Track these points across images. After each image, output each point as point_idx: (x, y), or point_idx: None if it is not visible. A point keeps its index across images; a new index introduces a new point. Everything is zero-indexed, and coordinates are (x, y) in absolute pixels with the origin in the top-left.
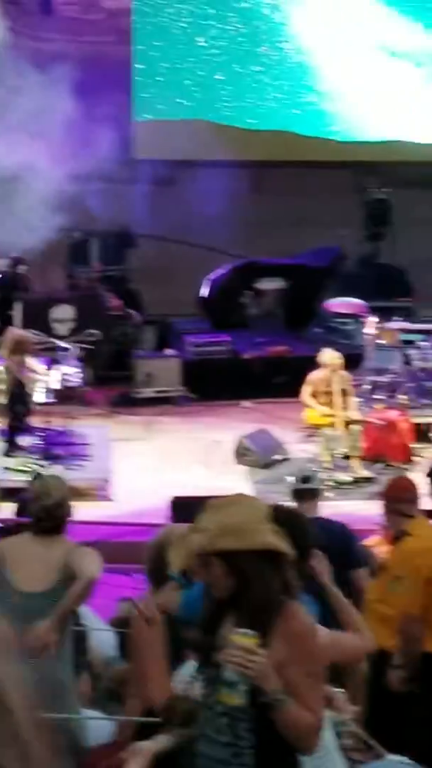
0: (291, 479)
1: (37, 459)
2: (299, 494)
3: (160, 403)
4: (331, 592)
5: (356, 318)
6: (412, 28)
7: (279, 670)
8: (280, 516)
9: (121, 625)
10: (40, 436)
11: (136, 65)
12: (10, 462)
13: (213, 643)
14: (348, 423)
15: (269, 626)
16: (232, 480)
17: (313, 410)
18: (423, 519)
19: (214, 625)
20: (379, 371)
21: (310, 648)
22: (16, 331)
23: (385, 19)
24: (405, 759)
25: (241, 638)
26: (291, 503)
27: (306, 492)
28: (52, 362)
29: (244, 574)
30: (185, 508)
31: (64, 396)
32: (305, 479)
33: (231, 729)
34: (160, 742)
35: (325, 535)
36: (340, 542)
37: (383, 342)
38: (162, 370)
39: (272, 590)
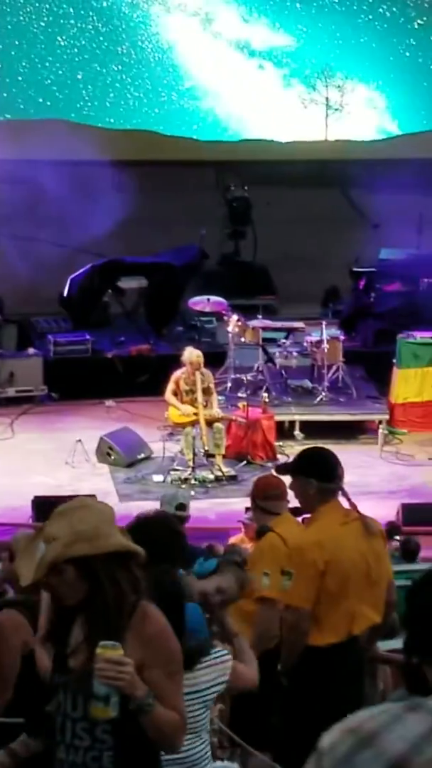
0: (164, 496)
1: None
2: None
3: (23, 402)
4: (224, 623)
5: (218, 316)
6: (272, 28)
7: (139, 672)
8: (142, 525)
9: None
10: None
11: None
12: None
13: (64, 651)
14: (211, 421)
15: (124, 628)
16: (95, 479)
17: (175, 408)
18: (288, 516)
19: (63, 633)
20: (242, 369)
21: (167, 647)
22: None
23: (245, 20)
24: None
25: (106, 651)
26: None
27: (180, 518)
28: None
29: (97, 578)
30: (48, 508)
31: None
32: (180, 507)
33: (89, 733)
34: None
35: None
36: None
37: (245, 340)
38: (24, 369)
39: (125, 592)
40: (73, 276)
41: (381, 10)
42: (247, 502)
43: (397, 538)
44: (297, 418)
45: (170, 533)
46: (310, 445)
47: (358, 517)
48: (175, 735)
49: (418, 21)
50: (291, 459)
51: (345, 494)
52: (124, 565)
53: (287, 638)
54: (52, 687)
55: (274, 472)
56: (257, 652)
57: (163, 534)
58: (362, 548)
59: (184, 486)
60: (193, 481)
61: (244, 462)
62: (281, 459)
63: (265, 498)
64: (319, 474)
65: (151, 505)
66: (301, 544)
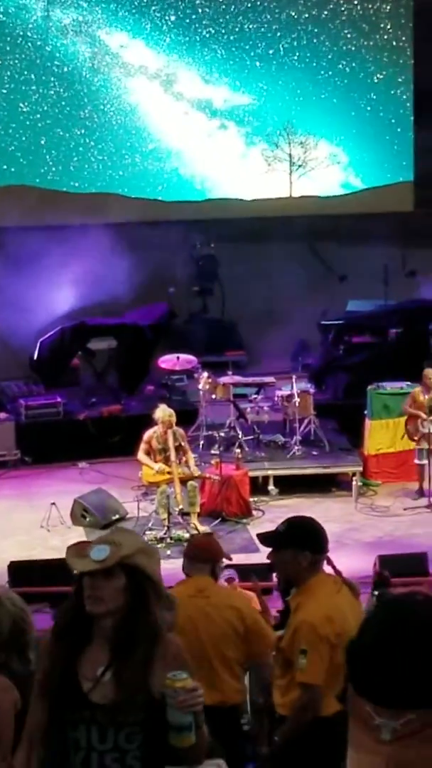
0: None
1: None
2: None
3: None
4: None
5: (188, 374)
6: (233, 87)
7: None
8: None
9: None
10: None
11: None
12: None
13: (77, 687)
14: (185, 479)
15: (154, 657)
16: (70, 542)
17: (149, 468)
18: (210, 581)
19: (71, 668)
20: (214, 426)
21: (186, 661)
22: None
23: (205, 80)
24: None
25: (178, 681)
26: None
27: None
28: None
29: (144, 592)
30: (23, 573)
31: None
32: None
33: (120, 762)
34: None
35: None
36: None
37: (216, 397)
38: None
39: (158, 620)
40: (42, 339)
41: (341, 65)
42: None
43: (375, 592)
44: (271, 473)
45: None
46: (284, 500)
47: (342, 583)
48: (204, 747)
49: (378, 75)
50: (279, 529)
51: (330, 562)
52: (159, 597)
53: (299, 714)
54: (65, 723)
55: (258, 542)
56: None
57: None
58: (355, 614)
59: (160, 545)
60: (169, 540)
61: (219, 519)
62: (256, 515)
63: (195, 560)
64: (312, 546)
65: None
66: (312, 621)
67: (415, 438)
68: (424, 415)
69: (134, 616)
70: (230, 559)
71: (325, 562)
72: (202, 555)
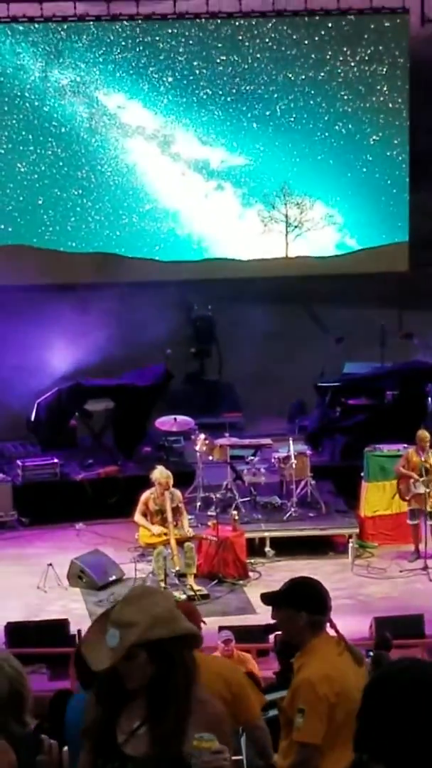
0: None
1: None
2: None
3: None
4: None
5: (185, 435)
6: (230, 149)
7: None
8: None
9: None
10: None
11: None
12: None
13: (113, 739)
14: (181, 540)
15: (189, 712)
16: (67, 603)
17: (146, 529)
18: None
19: (112, 720)
20: (211, 487)
21: (228, 731)
22: None
23: (203, 141)
24: None
25: (204, 743)
26: None
27: None
28: None
29: (170, 661)
30: (20, 634)
31: None
32: None
33: None
34: None
35: None
36: None
37: (213, 458)
38: None
39: (192, 674)
40: (40, 400)
41: (337, 127)
42: (220, 622)
43: (371, 653)
44: (267, 534)
45: None
46: (281, 561)
47: (346, 647)
48: None
49: (374, 137)
50: (280, 589)
51: (333, 626)
52: (189, 648)
53: None
54: None
55: (261, 602)
56: None
57: None
58: (357, 678)
59: None
60: None
61: (216, 580)
62: (253, 576)
63: None
64: (308, 606)
65: None
66: (311, 679)
67: (407, 498)
68: (416, 476)
69: (164, 681)
70: (205, 623)
71: (327, 624)
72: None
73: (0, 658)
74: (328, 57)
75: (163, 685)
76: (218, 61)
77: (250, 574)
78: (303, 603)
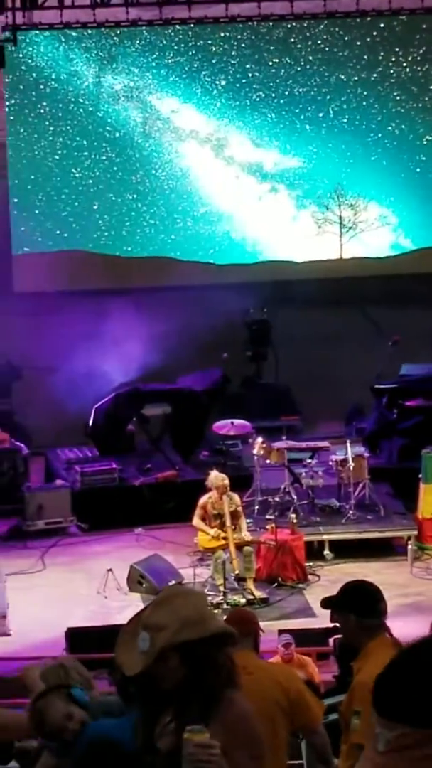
0: None
1: None
2: None
3: (53, 534)
4: None
5: (243, 439)
6: (283, 151)
7: (224, 756)
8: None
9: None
10: None
11: (13, 199)
12: None
13: (153, 732)
14: (240, 545)
15: (213, 713)
16: (128, 608)
17: (204, 534)
18: (252, 656)
19: (155, 715)
20: (268, 491)
21: (252, 732)
22: None
23: (256, 144)
24: None
25: (194, 735)
26: None
27: None
28: None
29: (200, 663)
30: (81, 640)
31: None
32: None
33: None
34: None
35: None
36: None
37: (271, 462)
38: (52, 501)
39: (222, 676)
40: (97, 405)
41: (390, 127)
42: (280, 625)
43: None
44: (326, 537)
45: None
46: (340, 564)
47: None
48: None
49: (427, 137)
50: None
51: (388, 630)
52: (222, 648)
53: None
54: (141, 766)
55: (315, 607)
56: None
57: None
58: None
59: (217, 611)
60: (225, 606)
61: (276, 584)
62: (312, 579)
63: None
64: (357, 609)
65: None
66: (367, 681)
67: None
68: None
69: (196, 682)
70: (264, 632)
71: (383, 627)
72: (245, 628)
73: (67, 666)
74: (380, 58)
75: (190, 686)
76: (270, 63)
77: (310, 577)
78: (352, 606)
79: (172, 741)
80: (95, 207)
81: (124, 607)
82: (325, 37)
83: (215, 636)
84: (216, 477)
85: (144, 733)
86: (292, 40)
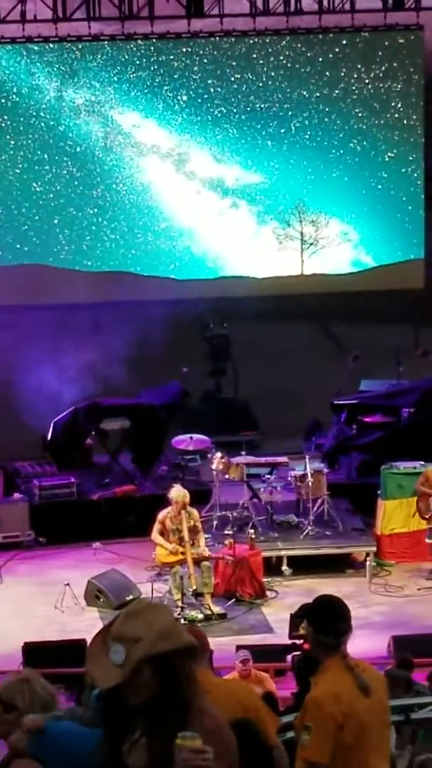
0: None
1: None
2: None
3: (10, 548)
4: None
5: (202, 454)
6: (244, 167)
7: None
8: None
9: None
10: None
11: None
12: None
13: (119, 748)
14: (198, 560)
15: (187, 724)
16: (84, 623)
17: (162, 548)
18: (208, 674)
19: (121, 731)
20: (227, 506)
21: (228, 740)
22: None
23: (217, 159)
24: None
25: (187, 741)
26: None
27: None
28: None
29: (173, 675)
30: (38, 654)
31: None
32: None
33: None
34: None
35: None
36: None
37: (230, 477)
38: (10, 515)
39: (194, 685)
40: (56, 419)
41: (352, 144)
42: (238, 641)
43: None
44: (284, 553)
45: None
46: (298, 580)
47: (365, 669)
48: None
49: (389, 154)
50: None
51: (343, 652)
52: (190, 660)
53: None
54: None
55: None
56: None
57: None
58: (373, 700)
59: None
60: (182, 621)
61: (233, 600)
62: (270, 595)
63: None
64: (315, 624)
65: None
66: (318, 697)
67: (426, 516)
68: None
69: (167, 693)
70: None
71: (339, 647)
72: (201, 645)
73: (32, 680)
74: (342, 74)
75: (165, 697)
76: (233, 79)
77: (267, 593)
78: (311, 619)
79: (143, 756)
80: (56, 221)
81: (81, 621)
82: (287, 53)
83: (187, 648)
84: (178, 491)
85: (111, 748)
86: (254, 55)
